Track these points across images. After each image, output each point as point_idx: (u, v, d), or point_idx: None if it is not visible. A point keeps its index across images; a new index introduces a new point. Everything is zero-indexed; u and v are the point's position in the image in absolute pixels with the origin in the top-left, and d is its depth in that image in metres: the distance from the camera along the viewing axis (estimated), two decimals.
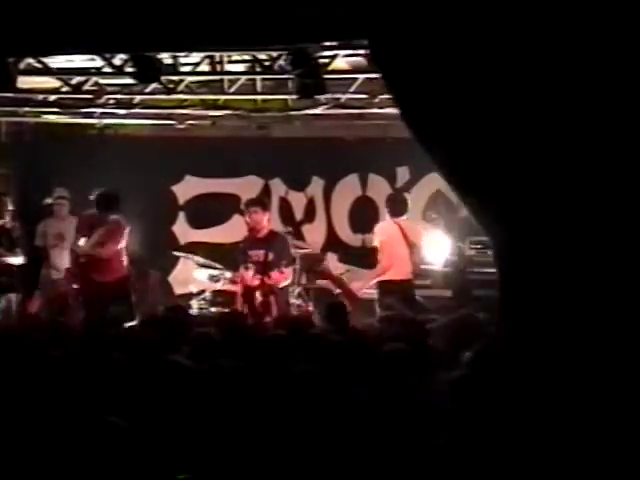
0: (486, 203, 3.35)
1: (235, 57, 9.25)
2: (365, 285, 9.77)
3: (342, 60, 8.84)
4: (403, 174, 11.58)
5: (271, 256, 9.30)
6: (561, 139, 3.12)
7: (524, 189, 3.18)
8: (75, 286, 9.67)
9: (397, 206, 9.74)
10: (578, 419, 3.20)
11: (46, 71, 9.15)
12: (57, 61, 9.02)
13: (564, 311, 3.19)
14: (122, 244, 9.49)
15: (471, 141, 3.26)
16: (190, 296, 10.34)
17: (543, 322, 3.24)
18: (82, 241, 9.51)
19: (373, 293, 9.72)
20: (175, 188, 11.95)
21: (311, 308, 9.96)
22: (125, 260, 9.58)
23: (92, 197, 9.61)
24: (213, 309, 9.82)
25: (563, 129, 3.11)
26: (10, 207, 10.52)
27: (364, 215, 11.42)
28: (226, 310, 9.19)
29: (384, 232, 9.64)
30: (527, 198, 3.18)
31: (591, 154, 3.09)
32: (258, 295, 9.26)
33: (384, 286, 9.46)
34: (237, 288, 9.57)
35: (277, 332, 6.10)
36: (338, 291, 10.34)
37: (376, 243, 9.65)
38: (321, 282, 10.90)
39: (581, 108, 3.11)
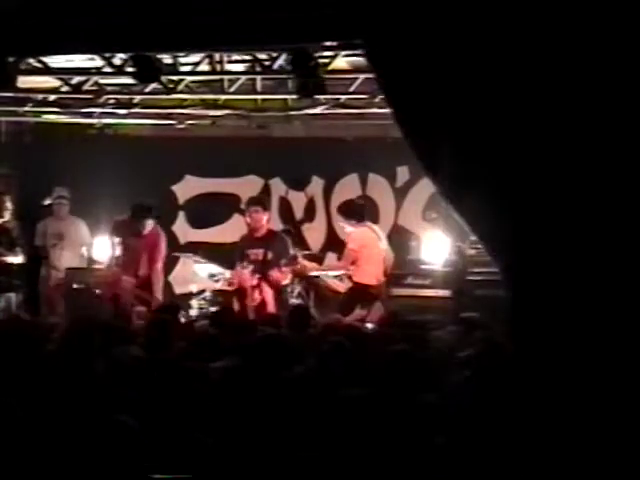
0: (478, 207, 3.34)
1: (235, 57, 9.24)
2: (317, 269, 10.04)
3: (342, 60, 8.83)
4: (403, 174, 11.55)
5: (270, 255, 9.32)
6: (559, 139, 3.11)
7: (518, 193, 3.17)
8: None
9: (354, 212, 9.84)
10: (581, 420, 3.19)
11: (46, 71, 9.15)
12: (57, 61, 9.02)
13: (574, 313, 3.17)
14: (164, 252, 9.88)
15: (463, 143, 3.25)
16: (190, 296, 10.33)
17: (555, 323, 3.22)
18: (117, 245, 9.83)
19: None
20: (175, 188, 11.94)
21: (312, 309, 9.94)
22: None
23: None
24: (213, 309, 9.80)
25: (560, 129, 3.10)
26: (10, 207, 10.53)
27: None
28: (218, 308, 9.19)
29: (357, 242, 9.66)
30: (520, 203, 3.17)
31: (593, 155, 3.08)
32: (257, 295, 9.27)
33: (357, 289, 9.56)
34: (233, 288, 9.58)
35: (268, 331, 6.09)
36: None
37: (353, 247, 9.67)
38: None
39: (581, 107, 3.10)
